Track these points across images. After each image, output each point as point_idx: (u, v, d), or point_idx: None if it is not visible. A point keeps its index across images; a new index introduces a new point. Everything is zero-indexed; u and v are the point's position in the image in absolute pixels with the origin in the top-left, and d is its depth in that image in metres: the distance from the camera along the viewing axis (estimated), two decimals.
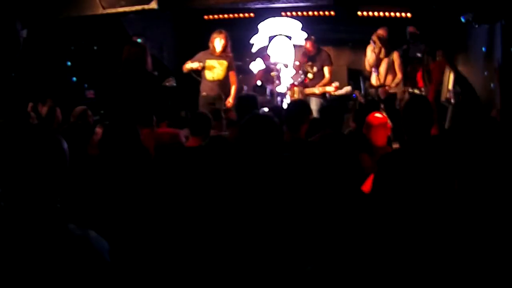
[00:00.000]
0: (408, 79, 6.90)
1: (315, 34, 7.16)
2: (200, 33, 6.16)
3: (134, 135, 2.69)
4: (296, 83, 7.08)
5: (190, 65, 5.92)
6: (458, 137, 2.40)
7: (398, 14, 7.21)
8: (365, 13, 7.29)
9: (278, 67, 7.29)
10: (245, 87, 7.52)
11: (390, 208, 2.33)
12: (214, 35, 5.92)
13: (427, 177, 2.37)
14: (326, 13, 7.53)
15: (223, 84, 5.98)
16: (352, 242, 1.84)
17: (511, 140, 1.87)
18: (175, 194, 2.56)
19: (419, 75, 6.95)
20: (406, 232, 1.97)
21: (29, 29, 5.54)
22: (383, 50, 6.51)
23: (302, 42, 7.40)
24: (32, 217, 1.30)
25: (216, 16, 7.85)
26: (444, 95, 6.41)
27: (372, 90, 6.71)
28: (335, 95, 6.88)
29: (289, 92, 7.17)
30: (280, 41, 8.01)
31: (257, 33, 7.97)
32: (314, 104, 6.71)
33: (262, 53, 7.83)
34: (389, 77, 6.65)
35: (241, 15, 7.77)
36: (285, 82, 7.37)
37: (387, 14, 7.24)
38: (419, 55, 7.00)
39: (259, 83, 7.47)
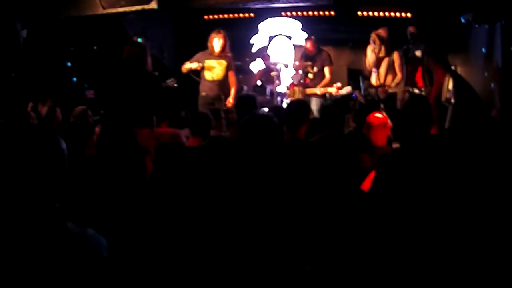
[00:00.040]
0: (408, 79, 6.91)
1: (315, 34, 7.16)
2: (200, 33, 6.16)
3: (130, 135, 2.69)
4: (295, 83, 7.09)
5: (189, 65, 5.92)
6: (457, 137, 2.40)
7: (398, 14, 7.21)
8: (365, 13, 7.29)
9: (278, 67, 7.29)
10: (245, 87, 7.52)
11: (389, 207, 2.33)
12: (213, 35, 5.91)
13: (426, 177, 2.37)
14: (326, 13, 7.53)
15: (223, 84, 5.98)
16: (352, 242, 1.84)
17: (511, 140, 1.87)
18: (175, 193, 2.56)
19: (418, 75, 6.95)
20: (406, 232, 1.97)
21: (29, 29, 5.54)
22: (383, 49, 6.50)
23: (302, 42, 7.40)
24: (30, 216, 1.30)
25: (216, 16, 7.85)
26: (444, 95, 6.40)
27: (372, 90, 6.71)
28: (335, 95, 6.88)
29: (288, 92, 7.17)
30: (280, 41, 8.01)
31: (257, 33, 7.97)
32: (314, 104, 6.71)
33: (262, 53, 7.83)
34: (389, 77, 6.65)
35: (241, 15, 7.77)
36: (285, 82, 7.37)
37: (387, 14, 7.24)
38: (418, 55, 7.00)
39: (259, 83, 7.47)
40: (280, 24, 7.90)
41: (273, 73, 7.23)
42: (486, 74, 5.95)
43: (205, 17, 7.85)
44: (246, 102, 4.11)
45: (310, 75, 7.00)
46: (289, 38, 7.96)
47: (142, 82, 4.04)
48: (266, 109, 6.04)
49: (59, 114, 5.14)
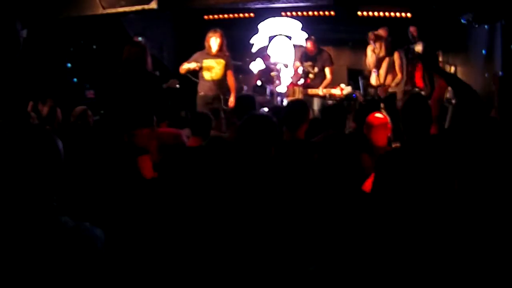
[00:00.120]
0: (408, 79, 6.91)
1: (315, 34, 7.17)
2: (200, 33, 6.15)
3: (116, 136, 2.69)
4: (295, 83, 7.09)
5: (187, 65, 5.89)
6: (457, 136, 2.40)
7: (398, 14, 7.21)
8: (365, 13, 7.29)
9: (278, 67, 7.29)
10: (245, 87, 7.52)
11: (389, 207, 2.33)
12: (210, 34, 5.88)
13: (426, 176, 2.37)
14: (326, 13, 7.53)
15: (221, 83, 5.96)
16: (354, 242, 1.84)
17: (510, 140, 1.87)
18: (176, 193, 2.57)
19: (418, 75, 6.95)
20: (406, 231, 1.97)
21: (29, 29, 5.54)
22: (383, 49, 6.51)
23: (302, 42, 7.40)
24: (24, 211, 1.32)
25: (216, 16, 7.86)
26: (445, 95, 6.40)
27: (372, 90, 6.71)
28: (335, 96, 6.88)
29: (288, 92, 7.17)
30: (280, 41, 8.02)
31: (257, 33, 7.98)
32: (315, 105, 6.71)
33: (262, 53, 7.83)
34: (389, 77, 6.65)
35: (241, 15, 7.77)
36: (285, 82, 7.37)
37: (387, 14, 7.24)
38: (418, 50, 7.00)
39: (259, 83, 7.47)
40: (280, 24, 7.90)
41: (273, 73, 7.23)
42: (486, 75, 5.94)
43: (205, 17, 7.85)
44: (245, 102, 4.10)
45: (311, 75, 7.00)
46: (289, 38, 7.97)
47: (142, 82, 4.03)
48: (266, 109, 6.05)
49: (60, 114, 5.14)
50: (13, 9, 5.12)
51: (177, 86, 6.09)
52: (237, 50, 7.30)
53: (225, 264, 1.91)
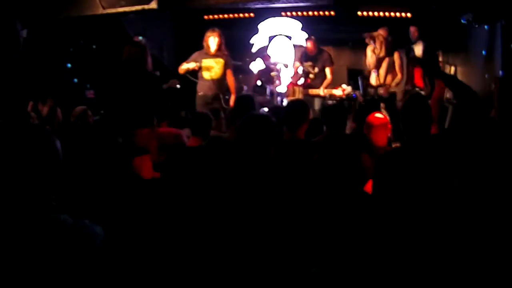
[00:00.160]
0: (409, 79, 6.92)
1: (315, 34, 7.17)
2: (200, 33, 6.15)
3: (111, 135, 2.69)
4: (295, 83, 7.09)
5: (186, 66, 5.87)
6: (456, 136, 2.40)
7: (398, 14, 7.21)
8: (365, 13, 7.29)
9: (278, 67, 7.29)
10: (245, 87, 7.52)
11: (388, 207, 2.33)
12: (208, 33, 5.86)
13: (425, 176, 2.37)
14: (326, 13, 7.53)
15: (221, 82, 5.95)
16: (355, 242, 1.84)
17: (509, 140, 1.87)
18: (177, 193, 2.57)
19: (418, 75, 6.95)
20: (405, 231, 1.97)
21: (29, 29, 5.54)
22: (383, 49, 6.51)
23: (302, 42, 7.40)
24: (22, 211, 1.33)
25: (216, 16, 7.85)
26: (445, 95, 6.41)
27: (371, 90, 6.72)
28: (336, 96, 6.89)
29: (287, 92, 7.17)
30: (280, 41, 8.01)
31: (257, 33, 7.97)
32: (315, 105, 6.71)
33: (262, 53, 7.83)
34: (389, 77, 6.66)
35: (241, 15, 7.77)
36: (285, 82, 7.37)
37: (387, 14, 7.24)
38: (418, 53, 7.02)
39: (259, 83, 7.47)
40: (280, 24, 7.90)
41: (273, 73, 7.23)
42: (486, 75, 5.94)
43: (205, 17, 7.84)
44: (244, 102, 4.10)
45: (311, 76, 7.00)
46: (289, 38, 7.96)
47: (142, 82, 4.04)
48: (266, 109, 6.05)
49: (60, 114, 5.14)
50: (13, 9, 5.12)
51: (178, 86, 6.08)
52: (237, 50, 7.30)
53: (226, 264, 1.91)
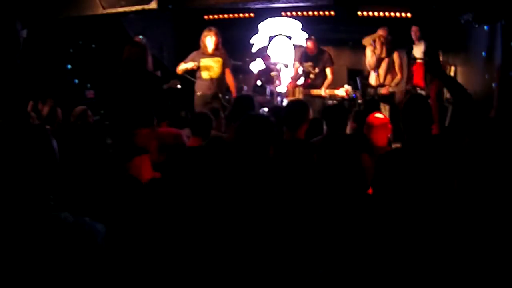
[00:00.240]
0: (410, 79, 6.92)
1: (315, 34, 7.17)
2: (200, 33, 6.15)
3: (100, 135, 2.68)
4: (295, 83, 7.09)
5: (184, 65, 5.85)
6: (455, 136, 2.40)
7: (398, 14, 7.22)
8: (365, 13, 7.29)
9: (278, 67, 7.29)
10: (245, 87, 7.52)
11: (389, 207, 2.33)
12: (205, 33, 5.83)
13: (425, 176, 2.37)
14: (326, 13, 7.53)
15: (220, 81, 5.92)
16: (358, 243, 1.84)
17: (508, 140, 1.87)
18: (177, 194, 2.56)
19: (418, 75, 6.95)
20: (406, 232, 1.97)
21: (29, 29, 5.54)
22: (384, 50, 6.52)
23: (302, 42, 7.40)
24: (20, 211, 1.33)
25: (216, 16, 7.86)
26: (445, 94, 6.41)
27: (371, 90, 6.72)
28: (338, 96, 6.89)
29: (288, 92, 7.17)
30: (280, 41, 8.02)
31: (257, 33, 7.98)
32: (316, 105, 6.71)
33: (262, 53, 7.83)
34: (389, 77, 6.66)
35: (241, 15, 7.77)
36: (285, 82, 7.37)
37: (387, 14, 7.25)
38: (417, 55, 7.03)
39: (259, 83, 7.47)
40: (280, 24, 7.90)
41: (273, 73, 7.23)
42: (487, 76, 5.94)
43: (205, 17, 7.85)
44: (244, 102, 4.10)
45: (312, 76, 7.00)
46: (289, 38, 7.97)
47: (143, 82, 4.03)
48: (266, 109, 6.05)
49: (60, 114, 5.14)
50: (13, 9, 5.12)
51: (179, 86, 6.08)
52: (237, 50, 7.30)
53: (227, 265, 1.91)
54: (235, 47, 6.57)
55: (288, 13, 7.72)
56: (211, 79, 5.88)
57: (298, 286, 1.79)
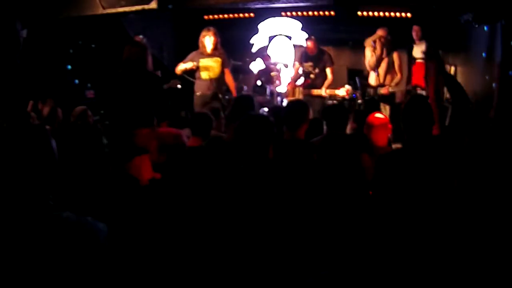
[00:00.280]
0: (410, 79, 6.92)
1: (315, 34, 7.17)
2: (200, 33, 6.15)
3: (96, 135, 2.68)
4: (295, 83, 7.09)
5: (183, 66, 5.82)
6: (455, 137, 2.40)
7: (398, 14, 7.22)
8: (365, 13, 7.30)
9: (278, 67, 7.29)
10: (245, 87, 7.52)
11: (388, 208, 2.33)
12: (203, 33, 5.81)
13: (425, 177, 2.37)
14: (326, 13, 7.54)
15: (219, 81, 5.91)
16: (358, 243, 1.84)
17: (507, 140, 1.87)
18: (177, 194, 2.56)
19: (418, 75, 6.95)
20: (405, 232, 1.97)
21: (29, 29, 5.54)
22: (384, 50, 6.52)
23: (302, 42, 7.40)
24: (20, 211, 1.33)
25: (216, 16, 7.86)
26: (445, 95, 6.41)
27: (371, 90, 6.71)
28: (335, 96, 6.89)
29: (288, 92, 7.17)
30: (280, 41, 8.02)
31: (257, 33, 7.98)
32: (316, 105, 6.72)
33: (262, 53, 7.84)
34: (388, 77, 6.66)
35: (241, 15, 7.77)
36: (285, 82, 7.37)
37: (387, 14, 7.25)
38: (417, 55, 7.03)
39: (259, 83, 7.48)
40: (280, 24, 7.91)
41: (273, 73, 7.23)
42: (487, 77, 5.94)
43: (205, 17, 7.85)
44: (244, 102, 4.10)
45: (312, 76, 7.00)
46: (289, 38, 7.97)
47: (143, 82, 4.03)
48: (266, 109, 6.05)
49: (60, 114, 5.14)
50: (13, 9, 5.12)
51: (179, 86, 6.07)
52: (237, 50, 7.30)
53: (226, 266, 1.91)
54: (235, 47, 6.57)
55: (288, 13, 7.72)
56: (211, 79, 5.86)
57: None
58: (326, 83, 6.93)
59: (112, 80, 4.13)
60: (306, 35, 7.42)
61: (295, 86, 7.12)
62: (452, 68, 7.12)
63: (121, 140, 3.78)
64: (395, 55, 6.61)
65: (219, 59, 5.86)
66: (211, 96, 5.86)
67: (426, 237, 1.78)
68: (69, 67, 6.92)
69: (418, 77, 6.91)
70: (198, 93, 5.94)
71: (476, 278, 1.58)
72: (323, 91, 6.87)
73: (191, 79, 6.03)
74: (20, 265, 1.28)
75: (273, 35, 8.03)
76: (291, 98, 6.79)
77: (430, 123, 2.58)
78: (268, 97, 7.23)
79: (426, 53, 6.71)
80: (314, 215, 2.16)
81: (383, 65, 6.61)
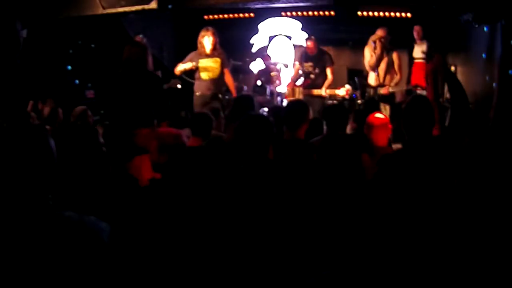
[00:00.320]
0: (410, 79, 6.93)
1: (315, 34, 7.17)
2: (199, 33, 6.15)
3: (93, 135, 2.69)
4: (295, 83, 7.09)
5: (183, 66, 5.81)
6: (455, 137, 2.40)
7: (398, 14, 7.22)
8: (365, 13, 7.30)
9: (278, 67, 7.29)
10: (245, 87, 7.52)
11: (389, 208, 2.33)
12: (202, 33, 5.77)
13: (426, 178, 2.36)
14: (326, 13, 7.54)
15: (219, 81, 5.90)
16: (360, 244, 1.84)
17: (507, 140, 1.87)
18: (177, 194, 2.56)
19: (418, 75, 6.95)
20: (406, 232, 1.97)
21: (29, 29, 5.54)
22: (383, 50, 6.52)
23: (302, 42, 7.40)
24: (19, 211, 1.34)
25: (216, 16, 7.86)
26: (445, 94, 6.41)
27: (371, 90, 6.71)
28: (335, 96, 6.89)
29: (288, 92, 7.17)
30: (280, 41, 8.03)
31: (257, 33, 7.98)
32: (316, 105, 6.72)
33: (262, 53, 7.84)
34: (388, 77, 6.66)
35: (241, 15, 7.78)
36: (285, 82, 7.38)
37: (387, 14, 7.26)
38: (417, 56, 7.03)
39: (259, 83, 7.48)
40: (280, 24, 7.91)
41: (273, 73, 7.24)
42: (487, 77, 5.94)
43: (205, 17, 7.85)
44: (244, 102, 4.10)
45: (312, 76, 7.00)
46: (289, 38, 7.97)
47: (143, 82, 4.03)
48: (266, 109, 6.05)
49: (61, 114, 5.14)
50: (13, 9, 5.12)
51: (179, 86, 6.07)
52: (237, 50, 7.30)
53: (226, 266, 1.91)
54: (235, 47, 6.57)
55: (288, 13, 7.72)
56: (211, 80, 5.85)
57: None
58: (326, 83, 6.93)
59: (112, 80, 4.13)
60: (306, 35, 7.42)
61: (295, 86, 7.12)
62: (452, 68, 7.12)
63: (121, 140, 3.78)
64: (394, 55, 6.61)
65: (218, 59, 5.84)
66: (211, 96, 5.85)
67: (427, 237, 1.78)
68: (69, 67, 6.92)
69: (418, 77, 6.91)
70: (198, 93, 5.93)
71: (476, 278, 1.58)
72: (323, 91, 6.87)
73: (190, 80, 6.02)
74: (22, 264, 1.28)
75: (273, 35, 8.03)
76: (291, 98, 6.78)
77: (431, 123, 2.58)
78: (268, 97, 7.23)
79: (426, 53, 6.71)
80: (314, 215, 2.16)
81: (383, 65, 6.61)
